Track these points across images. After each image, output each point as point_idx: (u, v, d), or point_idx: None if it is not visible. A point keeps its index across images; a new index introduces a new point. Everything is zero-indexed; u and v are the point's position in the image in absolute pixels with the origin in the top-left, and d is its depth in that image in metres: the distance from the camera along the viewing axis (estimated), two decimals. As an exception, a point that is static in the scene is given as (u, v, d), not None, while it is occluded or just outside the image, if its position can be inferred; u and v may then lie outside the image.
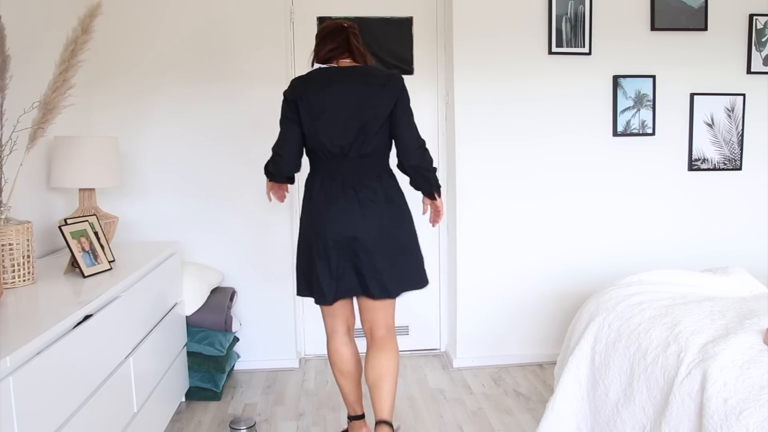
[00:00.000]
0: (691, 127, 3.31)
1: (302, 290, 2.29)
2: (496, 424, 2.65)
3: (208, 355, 2.86)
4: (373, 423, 2.32)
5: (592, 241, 3.32)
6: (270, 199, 2.44)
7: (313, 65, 2.28)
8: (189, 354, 2.83)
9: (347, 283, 2.21)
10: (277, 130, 3.14)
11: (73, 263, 2.09)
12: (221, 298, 3.05)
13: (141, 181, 3.17)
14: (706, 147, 3.33)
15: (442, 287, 3.51)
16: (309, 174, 2.27)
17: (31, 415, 1.38)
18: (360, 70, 2.20)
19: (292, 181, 2.35)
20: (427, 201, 2.33)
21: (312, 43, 3.30)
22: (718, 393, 1.63)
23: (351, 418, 2.41)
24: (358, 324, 2.40)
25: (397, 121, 2.16)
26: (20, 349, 1.35)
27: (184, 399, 2.88)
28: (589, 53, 3.19)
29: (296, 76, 2.42)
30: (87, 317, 1.73)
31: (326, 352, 2.40)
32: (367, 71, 2.20)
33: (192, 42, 3.12)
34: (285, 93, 2.21)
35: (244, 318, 3.29)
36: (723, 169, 3.35)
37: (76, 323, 1.67)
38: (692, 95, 3.29)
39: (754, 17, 3.27)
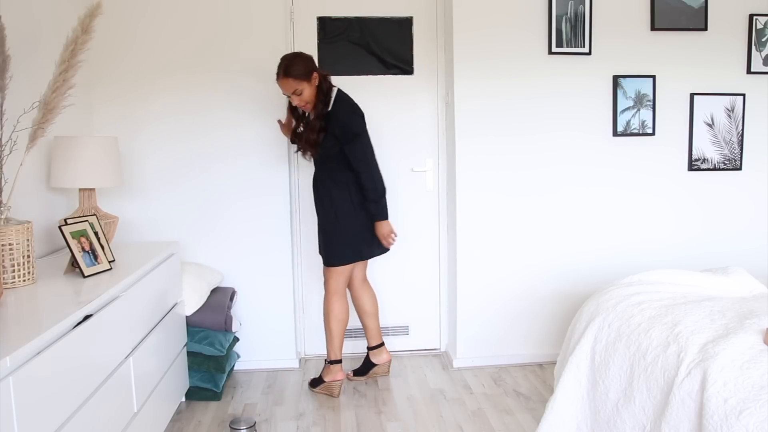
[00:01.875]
0: (691, 127, 3.31)
1: (348, 258, 2.89)
2: (496, 424, 2.65)
3: (208, 355, 2.86)
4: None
5: (592, 242, 3.32)
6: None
7: (331, 87, 2.81)
8: (189, 354, 2.82)
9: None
10: (276, 128, 3.16)
11: (73, 263, 2.10)
12: (221, 298, 3.05)
13: (141, 181, 3.17)
14: (706, 147, 3.33)
15: (442, 287, 3.51)
16: (345, 175, 2.80)
17: (31, 415, 1.38)
18: None
19: None
20: None
21: (312, 44, 3.34)
22: (718, 393, 1.63)
23: (333, 362, 2.98)
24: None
25: None
26: (20, 349, 1.35)
27: (184, 399, 2.88)
28: (589, 53, 3.19)
29: (351, 99, 2.85)
30: (87, 317, 1.74)
31: (327, 310, 2.95)
32: None
33: (192, 42, 3.12)
34: (361, 114, 2.81)
35: (244, 318, 3.29)
36: (723, 169, 3.35)
37: (76, 323, 1.67)
38: (692, 95, 3.29)
39: (754, 17, 3.27)
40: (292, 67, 2.72)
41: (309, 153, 2.87)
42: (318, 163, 2.90)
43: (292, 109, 2.93)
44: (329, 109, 2.79)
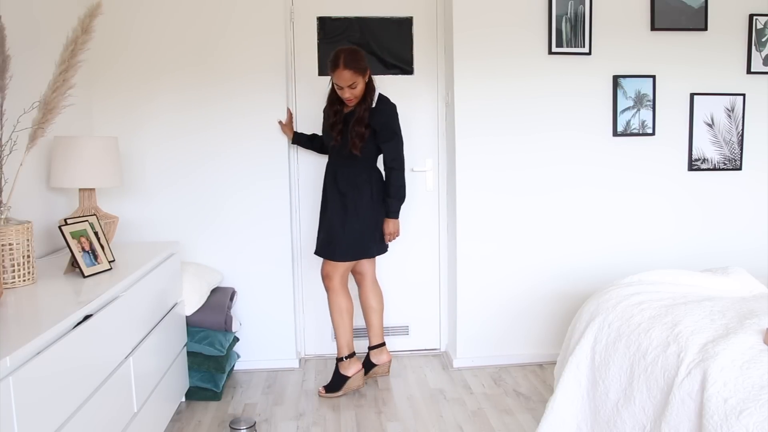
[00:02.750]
0: (691, 127, 3.31)
1: (357, 254, 2.95)
2: (496, 424, 2.65)
3: (208, 355, 2.86)
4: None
5: (592, 242, 3.32)
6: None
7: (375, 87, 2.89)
8: (189, 354, 2.82)
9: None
10: (276, 129, 3.17)
11: (73, 263, 2.10)
12: (221, 298, 3.05)
13: (141, 181, 3.17)
14: (706, 147, 3.33)
15: (442, 287, 3.51)
16: (369, 173, 2.92)
17: (31, 415, 1.38)
18: None
19: None
20: None
21: (312, 44, 3.34)
22: (718, 393, 1.63)
23: (348, 357, 3.00)
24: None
25: None
26: (20, 349, 1.35)
27: (184, 399, 2.88)
28: (589, 53, 3.19)
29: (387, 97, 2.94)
30: (87, 317, 1.74)
31: (336, 304, 2.98)
32: None
33: (192, 42, 3.12)
34: (398, 115, 2.92)
35: (244, 318, 3.29)
36: (723, 169, 3.35)
37: (76, 323, 1.67)
38: (692, 95, 3.29)
39: (754, 17, 3.27)
40: (354, 60, 2.75)
41: (351, 148, 2.83)
42: (343, 159, 2.90)
43: (331, 103, 2.94)
44: (373, 106, 2.86)
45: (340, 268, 2.95)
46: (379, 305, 3.14)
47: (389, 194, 2.92)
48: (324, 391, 2.97)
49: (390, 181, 2.91)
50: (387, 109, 2.89)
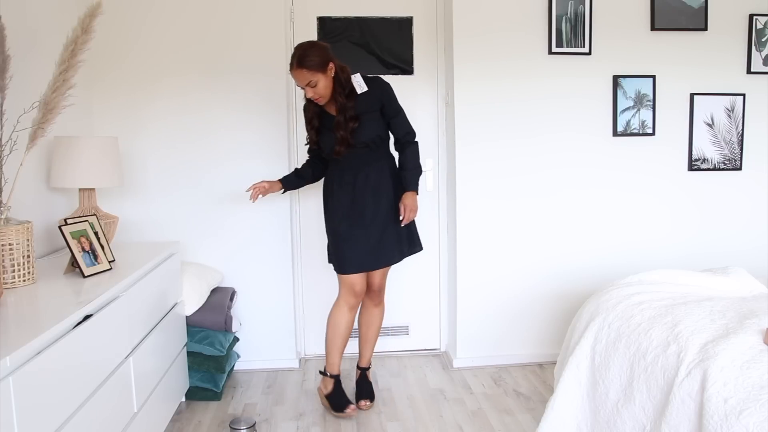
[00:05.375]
0: (691, 127, 3.31)
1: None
2: (496, 424, 2.65)
3: (208, 355, 2.86)
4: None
5: (592, 241, 3.32)
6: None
7: (350, 76, 2.62)
8: (189, 354, 2.83)
9: None
10: (276, 129, 3.17)
11: (73, 263, 2.10)
12: (221, 298, 3.05)
13: (141, 181, 3.17)
14: (706, 147, 3.33)
15: (442, 287, 3.51)
16: (390, 160, 2.75)
17: (31, 415, 1.38)
18: None
19: None
20: None
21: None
22: (718, 393, 1.63)
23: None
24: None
25: None
26: (20, 349, 1.35)
27: (184, 399, 2.88)
28: (589, 53, 3.19)
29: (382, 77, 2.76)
30: (87, 317, 1.73)
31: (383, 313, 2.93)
32: None
33: (192, 42, 3.12)
34: None
35: (244, 318, 3.29)
36: (723, 169, 3.35)
37: (76, 323, 1.67)
38: (692, 95, 3.29)
39: (754, 17, 3.27)
40: (306, 57, 2.49)
41: (347, 147, 2.59)
42: (359, 155, 2.64)
43: (306, 107, 2.70)
44: (361, 91, 2.60)
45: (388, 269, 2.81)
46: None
47: (407, 168, 2.67)
48: (369, 403, 2.82)
49: (407, 157, 2.68)
50: (382, 83, 2.66)
